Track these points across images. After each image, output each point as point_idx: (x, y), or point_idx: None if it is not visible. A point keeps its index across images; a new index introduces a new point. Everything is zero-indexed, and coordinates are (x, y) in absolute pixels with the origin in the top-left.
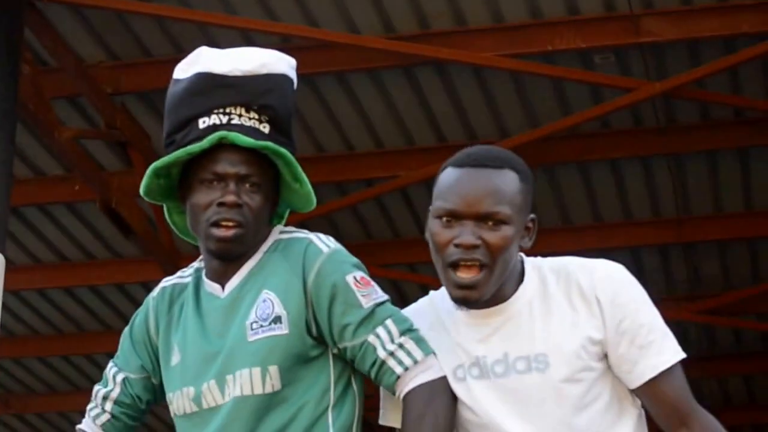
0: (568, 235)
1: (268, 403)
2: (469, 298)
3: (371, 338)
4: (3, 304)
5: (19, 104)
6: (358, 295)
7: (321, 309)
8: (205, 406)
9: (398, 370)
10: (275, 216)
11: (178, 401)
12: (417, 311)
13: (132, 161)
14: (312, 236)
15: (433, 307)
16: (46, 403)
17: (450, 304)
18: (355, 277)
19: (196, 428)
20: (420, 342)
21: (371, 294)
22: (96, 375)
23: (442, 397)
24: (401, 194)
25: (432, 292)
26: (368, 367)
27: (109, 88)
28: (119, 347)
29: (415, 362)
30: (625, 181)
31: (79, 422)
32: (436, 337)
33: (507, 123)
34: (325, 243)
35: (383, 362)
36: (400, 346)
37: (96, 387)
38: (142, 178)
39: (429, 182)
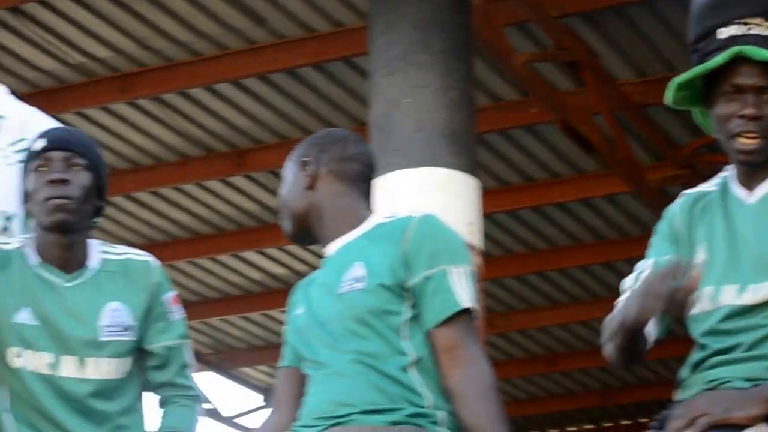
0: None
1: None
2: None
3: None
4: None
5: (472, 35)
6: None
7: None
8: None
9: None
10: None
11: (722, 294)
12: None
13: (584, 80)
14: None
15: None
16: (526, 320)
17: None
18: None
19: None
20: None
21: None
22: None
23: None
24: None
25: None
26: None
27: (554, 12)
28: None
29: None
30: None
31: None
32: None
33: None
34: None
35: None
36: None
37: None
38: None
39: None
